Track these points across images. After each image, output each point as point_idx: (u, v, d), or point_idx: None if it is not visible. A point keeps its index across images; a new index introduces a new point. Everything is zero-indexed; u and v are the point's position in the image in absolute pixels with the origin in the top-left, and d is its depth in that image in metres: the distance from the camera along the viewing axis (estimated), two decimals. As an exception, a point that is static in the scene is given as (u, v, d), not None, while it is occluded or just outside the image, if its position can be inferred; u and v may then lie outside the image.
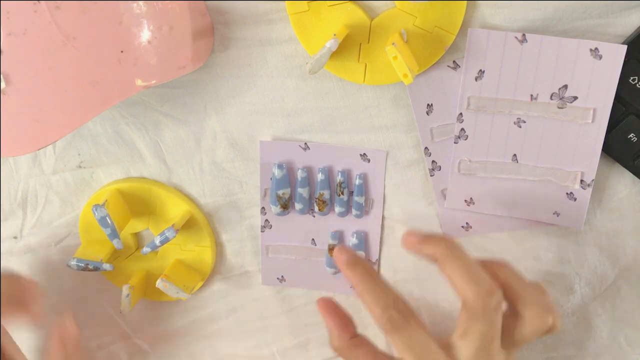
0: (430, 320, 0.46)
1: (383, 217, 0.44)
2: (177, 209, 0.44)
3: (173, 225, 0.41)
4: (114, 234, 0.41)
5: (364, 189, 0.43)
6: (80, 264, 0.42)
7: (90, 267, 0.42)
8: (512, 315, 0.36)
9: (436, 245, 0.35)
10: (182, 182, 0.44)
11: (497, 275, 0.35)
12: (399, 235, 0.44)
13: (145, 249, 0.42)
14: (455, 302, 0.45)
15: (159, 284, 0.42)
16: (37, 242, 0.48)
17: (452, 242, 0.35)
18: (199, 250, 0.45)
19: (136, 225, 0.45)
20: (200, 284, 0.46)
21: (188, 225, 0.44)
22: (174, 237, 0.41)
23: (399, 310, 0.34)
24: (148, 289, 0.47)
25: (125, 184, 0.44)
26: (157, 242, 0.41)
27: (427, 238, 0.35)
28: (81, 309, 0.50)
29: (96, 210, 0.40)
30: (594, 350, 0.46)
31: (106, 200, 0.41)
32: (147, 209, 0.44)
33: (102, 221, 0.40)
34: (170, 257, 0.46)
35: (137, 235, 0.47)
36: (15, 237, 0.48)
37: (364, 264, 0.36)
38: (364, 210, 0.43)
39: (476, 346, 0.33)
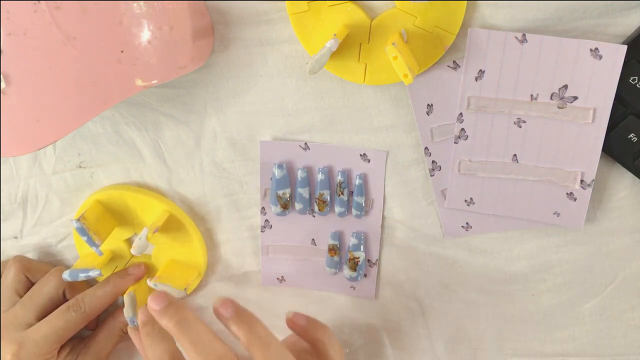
0: (430, 322, 0.46)
1: (383, 217, 0.44)
2: (156, 210, 0.44)
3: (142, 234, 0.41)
4: (91, 242, 0.42)
5: (364, 189, 0.43)
6: (73, 274, 0.43)
7: (82, 276, 0.43)
8: None
9: (165, 321, 0.34)
10: (182, 182, 0.44)
11: (314, 338, 0.39)
12: (399, 235, 0.44)
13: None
14: (455, 302, 0.46)
15: (149, 283, 0.42)
16: (37, 242, 0.48)
17: (179, 316, 0.34)
18: (188, 246, 0.46)
19: (123, 232, 0.46)
20: (197, 279, 0.47)
21: (171, 224, 0.44)
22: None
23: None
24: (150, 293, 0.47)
25: (103, 193, 0.44)
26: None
27: (161, 312, 0.34)
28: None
29: (73, 222, 0.42)
30: (593, 349, 0.46)
31: (83, 213, 0.42)
32: (129, 214, 0.45)
33: (80, 231, 0.41)
34: (163, 258, 0.46)
35: (130, 243, 0.47)
36: (16, 237, 0.48)
37: (182, 310, 0.35)
38: (364, 210, 0.43)
39: None
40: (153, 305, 0.35)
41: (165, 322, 0.34)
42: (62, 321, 0.43)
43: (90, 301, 0.45)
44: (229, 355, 0.34)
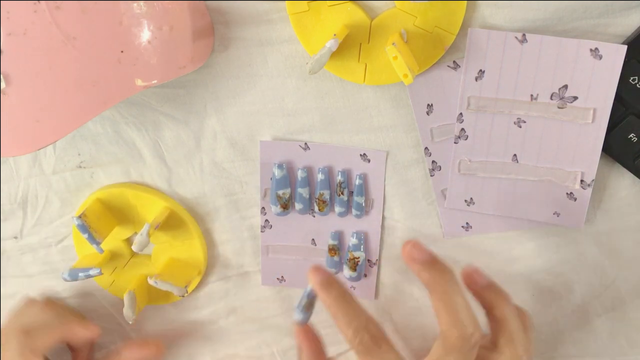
0: (429, 320, 0.46)
1: (383, 217, 0.44)
2: (157, 208, 0.44)
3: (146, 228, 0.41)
4: (92, 239, 0.42)
5: (364, 189, 0.43)
6: (72, 274, 0.43)
7: (81, 275, 0.43)
8: (491, 345, 0.36)
9: (434, 275, 0.34)
10: (182, 182, 0.44)
11: (492, 305, 0.36)
12: (399, 235, 0.44)
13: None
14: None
15: (149, 281, 0.42)
16: (37, 242, 0.48)
17: (450, 275, 0.34)
18: (188, 244, 0.46)
19: (123, 231, 0.46)
20: (198, 278, 0.47)
21: (172, 222, 0.44)
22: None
23: (370, 333, 0.34)
24: (152, 294, 0.47)
25: (104, 192, 0.44)
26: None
27: (428, 264, 0.35)
28: (82, 307, 0.50)
29: (73, 219, 0.41)
30: (594, 350, 0.46)
31: (84, 210, 0.42)
32: (130, 212, 0.45)
33: (80, 228, 0.41)
34: (163, 257, 0.46)
35: (130, 242, 0.47)
36: (16, 237, 0.48)
37: (338, 285, 0.36)
38: (364, 210, 0.43)
39: None
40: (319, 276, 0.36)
41: (430, 277, 0.34)
42: None
43: None
44: (374, 321, 0.35)
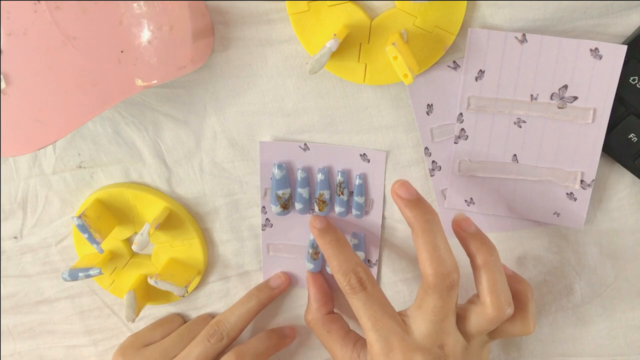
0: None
1: (383, 217, 0.44)
2: (157, 207, 0.44)
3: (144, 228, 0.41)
4: (92, 239, 0.42)
5: (363, 189, 0.43)
6: (72, 274, 0.43)
7: (81, 275, 0.43)
8: (476, 299, 0.38)
9: (416, 213, 0.36)
10: (182, 182, 0.44)
11: (475, 253, 0.37)
12: (399, 235, 0.44)
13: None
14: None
15: (149, 281, 0.42)
16: (37, 242, 0.48)
17: (432, 216, 0.36)
18: (188, 244, 0.46)
19: (123, 231, 0.46)
20: (197, 278, 0.47)
21: (172, 222, 0.44)
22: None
23: (358, 276, 0.37)
24: (152, 294, 0.47)
25: (104, 192, 0.44)
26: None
27: (413, 203, 0.36)
28: (82, 307, 0.50)
29: (73, 219, 0.41)
30: (593, 349, 0.46)
31: (84, 210, 0.42)
32: (130, 212, 0.45)
33: (80, 228, 0.41)
34: (163, 257, 0.46)
35: (130, 242, 0.47)
36: (15, 237, 0.48)
37: (334, 232, 0.41)
38: (364, 210, 0.43)
39: (430, 320, 0.36)
40: (317, 224, 0.41)
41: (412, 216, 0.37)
42: (200, 349, 0.43)
43: (233, 324, 0.44)
44: (363, 266, 0.38)
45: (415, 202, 0.36)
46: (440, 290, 0.35)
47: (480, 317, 0.37)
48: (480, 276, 0.37)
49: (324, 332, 0.41)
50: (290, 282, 0.47)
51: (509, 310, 0.36)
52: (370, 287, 0.37)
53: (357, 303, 0.37)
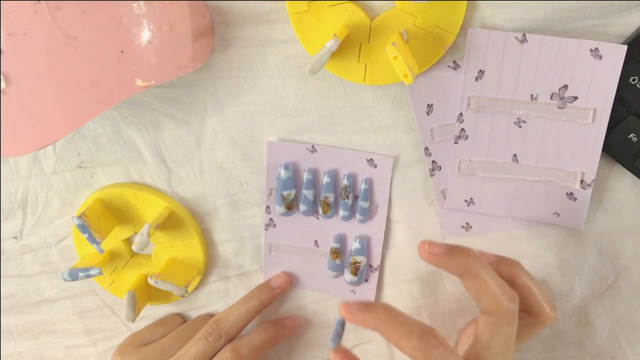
0: (430, 320, 0.46)
1: (387, 221, 0.44)
2: (157, 207, 0.44)
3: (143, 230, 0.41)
4: (92, 239, 0.42)
5: (369, 194, 0.43)
6: (72, 274, 0.43)
7: (81, 275, 0.43)
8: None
9: (461, 259, 0.34)
10: (182, 182, 0.44)
11: (463, 269, 0.35)
12: (399, 235, 0.44)
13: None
14: (454, 302, 0.46)
15: (149, 281, 0.42)
16: (37, 242, 0.48)
17: (475, 254, 0.34)
18: (188, 244, 0.46)
19: (123, 231, 0.46)
20: (197, 278, 0.47)
21: (172, 222, 0.44)
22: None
23: (437, 338, 0.32)
24: (152, 294, 0.47)
25: (104, 192, 0.44)
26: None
27: (453, 251, 0.34)
28: (82, 307, 0.50)
29: (73, 219, 0.41)
30: (594, 350, 0.46)
31: (84, 210, 0.42)
32: (130, 212, 0.45)
33: (80, 228, 0.41)
34: (163, 257, 0.46)
35: (130, 242, 0.47)
36: (15, 237, 0.48)
37: (377, 305, 0.34)
38: (368, 215, 0.43)
39: (502, 352, 0.34)
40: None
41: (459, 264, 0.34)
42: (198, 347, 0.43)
43: (232, 323, 0.44)
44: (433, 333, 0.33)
45: (453, 251, 0.34)
46: (514, 316, 0.34)
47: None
48: (479, 284, 0.34)
49: None
50: (290, 282, 0.46)
51: (513, 305, 0.35)
52: (448, 346, 0.32)
53: None
